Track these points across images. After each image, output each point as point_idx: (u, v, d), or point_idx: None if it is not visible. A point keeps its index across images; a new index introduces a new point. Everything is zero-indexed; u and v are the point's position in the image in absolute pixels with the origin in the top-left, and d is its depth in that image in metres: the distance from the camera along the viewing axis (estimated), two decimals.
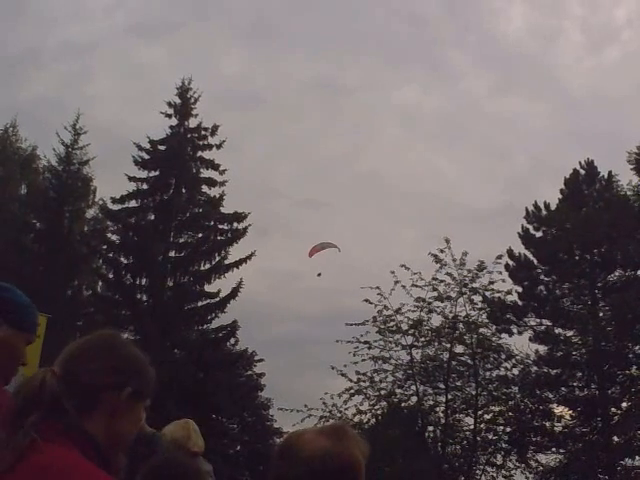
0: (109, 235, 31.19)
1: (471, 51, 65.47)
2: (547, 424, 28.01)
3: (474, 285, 27.50)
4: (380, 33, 63.79)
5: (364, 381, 27.24)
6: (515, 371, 27.97)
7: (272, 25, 62.70)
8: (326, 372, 27.76)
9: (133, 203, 30.22)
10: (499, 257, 27.99)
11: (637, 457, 26.52)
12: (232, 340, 29.84)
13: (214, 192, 30.48)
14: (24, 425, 2.04)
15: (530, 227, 30.93)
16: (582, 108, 62.96)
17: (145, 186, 30.29)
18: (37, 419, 2.06)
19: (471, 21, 65.20)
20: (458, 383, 27.84)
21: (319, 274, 28.56)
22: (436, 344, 27.75)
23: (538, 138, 60.94)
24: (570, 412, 28.12)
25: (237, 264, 29.70)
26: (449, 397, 27.43)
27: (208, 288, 29.67)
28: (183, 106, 31.04)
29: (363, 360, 27.09)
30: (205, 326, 29.70)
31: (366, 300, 26.96)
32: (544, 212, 30.90)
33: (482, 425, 27.59)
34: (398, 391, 27.79)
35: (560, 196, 31.14)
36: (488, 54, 64.52)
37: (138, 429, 2.37)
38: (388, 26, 64.47)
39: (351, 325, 27.15)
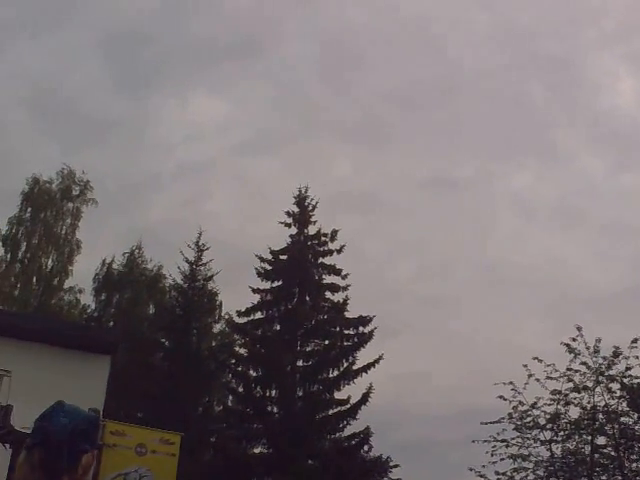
0: (237, 348, 31.38)
1: (582, 130, 64.27)
2: None
3: (611, 372, 26.50)
4: (488, 123, 63.42)
5: None
6: None
7: (379, 124, 63.14)
8: (464, 474, 26.89)
9: (258, 315, 30.42)
10: (634, 341, 26.83)
11: None
12: (365, 447, 29.18)
13: (337, 297, 30.45)
14: None
15: None
16: None
17: (269, 297, 30.51)
18: None
19: (578, 99, 64.31)
20: (603, 477, 26.64)
21: None
22: (576, 437, 26.78)
23: None
24: None
25: (365, 369, 29.29)
26: None
27: (338, 395, 29.32)
28: (301, 214, 31.46)
29: (502, 459, 26.34)
30: (337, 434, 29.17)
31: (500, 396, 26.42)
32: None
33: None
34: None
35: None
36: (600, 131, 63.24)
37: None
38: (495, 115, 64.11)
39: (486, 424, 26.41)
